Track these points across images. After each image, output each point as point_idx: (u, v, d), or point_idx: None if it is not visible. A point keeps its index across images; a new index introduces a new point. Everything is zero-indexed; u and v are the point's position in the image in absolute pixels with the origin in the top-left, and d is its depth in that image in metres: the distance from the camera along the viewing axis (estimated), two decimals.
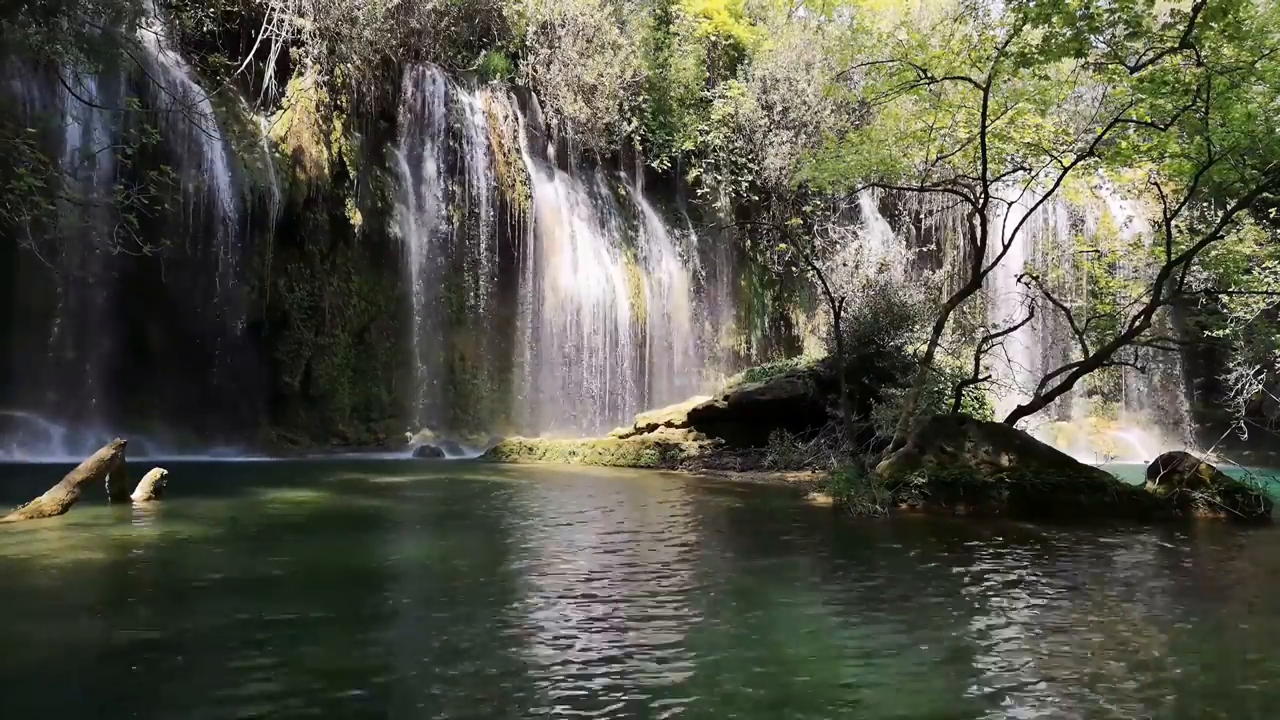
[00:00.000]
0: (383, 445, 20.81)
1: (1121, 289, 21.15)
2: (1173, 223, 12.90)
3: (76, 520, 7.81)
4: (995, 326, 15.93)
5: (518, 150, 24.13)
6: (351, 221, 21.03)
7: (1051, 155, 13.52)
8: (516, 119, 24.49)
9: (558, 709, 3.45)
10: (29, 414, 16.08)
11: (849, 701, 3.63)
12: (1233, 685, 4.08)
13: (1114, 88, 13.42)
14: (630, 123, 25.95)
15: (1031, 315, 14.45)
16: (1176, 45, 10.61)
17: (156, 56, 18.13)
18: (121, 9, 14.21)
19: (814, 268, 17.37)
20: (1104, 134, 12.58)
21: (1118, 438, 26.62)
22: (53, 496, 8.05)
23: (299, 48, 20.53)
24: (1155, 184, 15.79)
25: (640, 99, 26.25)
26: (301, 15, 20.39)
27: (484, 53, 24.69)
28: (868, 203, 29.66)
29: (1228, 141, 10.74)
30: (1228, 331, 20.00)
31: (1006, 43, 11.51)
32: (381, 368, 21.87)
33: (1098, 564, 7.15)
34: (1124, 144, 12.79)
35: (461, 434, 22.22)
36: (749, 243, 28.62)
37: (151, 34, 18.01)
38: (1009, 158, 13.96)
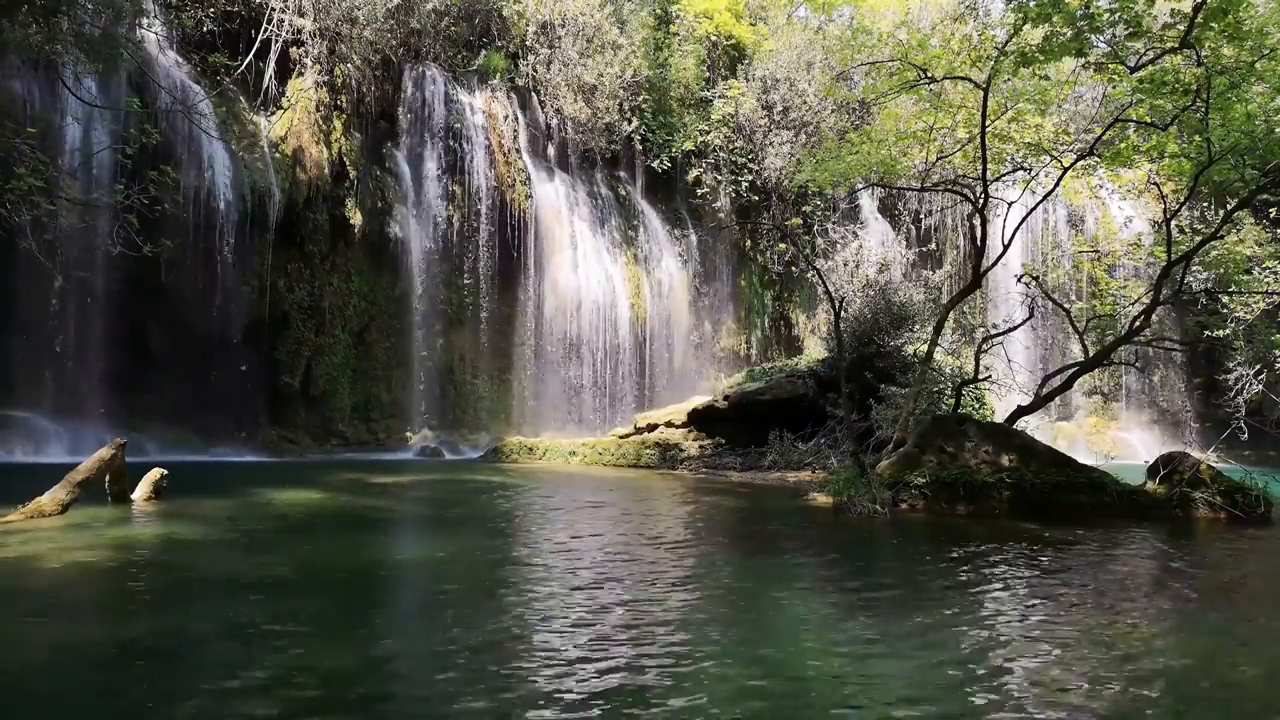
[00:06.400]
0: (383, 445, 20.80)
1: (1121, 289, 21.18)
2: (1173, 223, 12.90)
3: (76, 520, 7.81)
4: (995, 326, 15.93)
5: (518, 150, 24.11)
6: (351, 221, 21.02)
7: (1051, 155, 13.54)
8: (516, 119, 24.48)
9: (558, 709, 3.45)
10: (29, 414, 16.06)
11: (849, 700, 3.63)
12: (1228, 684, 4.08)
13: (1114, 88, 13.42)
14: (630, 123, 25.93)
15: (1031, 315, 14.45)
16: (1176, 45, 10.62)
17: (156, 56, 18.10)
18: (121, 9, 14.20)
19: (814, 268, 17.40)
20: (1104, 134, 12.60)
21: (1118, 438, 26.63)
22: (53, 496, 8.05)
23: (299, 48, 20.51)
24: (1155, 184, 15.81)
25: (640, 99, 26.22)
26: (301, 15, 20.38)
27: (484, 53, 24.69)
28: (868, 203, 29.65)
29: (1228, 141, 10.75)
30: (1228, 331, 19.99)
31: (1006, 43, 11.52)
32: (381, 368, 21.86)
33: (1097, 564, 7.15)
34: (1124, 144, 12.80)
35: (461, 434, 22.21)
36: (749, 243, 28.60)
37: (151, 34, 17.99)
38: (1009, 158, 13.97)
